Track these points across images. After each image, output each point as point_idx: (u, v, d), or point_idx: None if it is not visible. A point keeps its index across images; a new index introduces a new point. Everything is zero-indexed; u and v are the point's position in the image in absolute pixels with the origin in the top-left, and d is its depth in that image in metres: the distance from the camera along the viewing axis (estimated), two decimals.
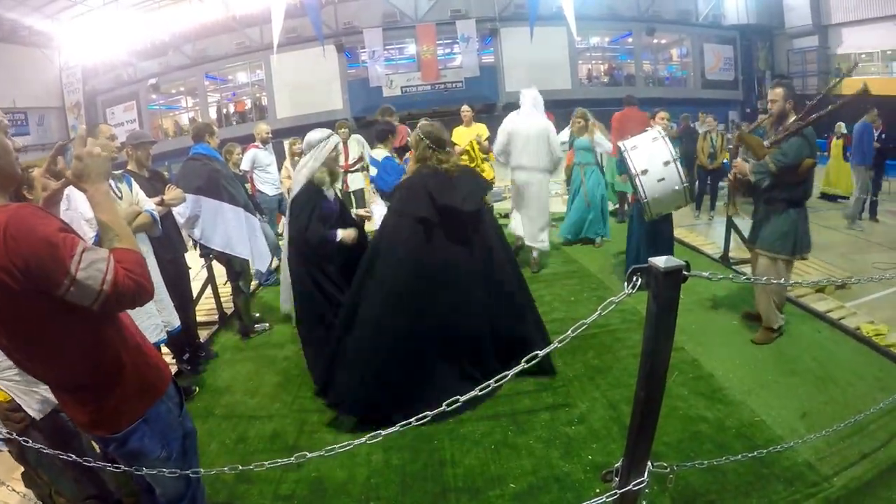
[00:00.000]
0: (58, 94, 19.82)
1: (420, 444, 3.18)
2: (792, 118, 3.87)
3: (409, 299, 3.40)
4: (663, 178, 4.61)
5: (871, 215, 8.88)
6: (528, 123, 5.80)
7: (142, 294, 1.61)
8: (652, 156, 4.66)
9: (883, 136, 8.97)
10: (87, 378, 1.69)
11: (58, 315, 1.55)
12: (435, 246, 3.46)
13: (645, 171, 4.64)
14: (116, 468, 1.94)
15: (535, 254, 6.22)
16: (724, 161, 9.17)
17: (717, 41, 21.75)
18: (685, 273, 1.71)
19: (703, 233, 7.84)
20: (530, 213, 6.01)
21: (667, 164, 4.59)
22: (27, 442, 2.13)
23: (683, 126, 10.49)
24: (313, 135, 3.82)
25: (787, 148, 3.74)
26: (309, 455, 1.89)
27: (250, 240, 4.71)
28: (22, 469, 2.57)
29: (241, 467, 2.00)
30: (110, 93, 20.73)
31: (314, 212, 3.69)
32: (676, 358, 3.90)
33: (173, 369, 4.35)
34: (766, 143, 3.91)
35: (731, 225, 5.93)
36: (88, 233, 2.82)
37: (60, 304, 1.49)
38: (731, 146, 4.44)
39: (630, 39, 21.51)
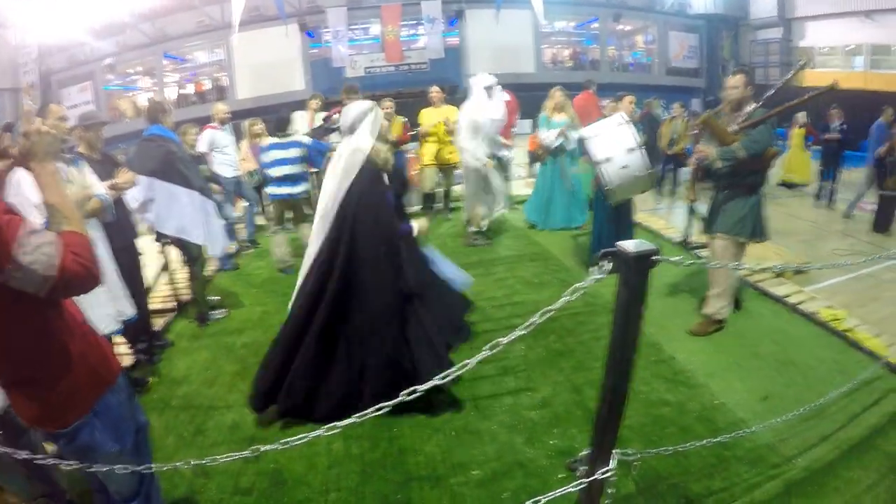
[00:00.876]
0: (12, 74, 18.90)
1: (380, 432, 3.12)
2: (751, 106, 3.90)
3: (303, 296, 3.31)
4: (627, 166, 4.60)
5: (828, 203, 9.15)
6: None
7: (90, 280, 1.53)
8: (615, 142, 4.64)
9: (844, 126, 9.20)
10: (31, 370, 1.60)
11: (4, 303, 1.45)
12: (328, 238, 3.27)
13: (608, 159, 4.62)
14: (68, 465, 1.84)
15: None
16: (687, 147, 9.34)
17: (682, 29, 22.08)
18: (654, 258, 1.67)
19: (664, 217, 7.92)
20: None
21: (631, 150, 4.58)
22: None
23: (646, 111, 10.57)
24: (354, 109, 3.31)
25: (758, 135, 3.76)
26: (263, 448, 1.81)
27: (205, 224, 4.53)
28: None
29: (192, 462, 1.90)
30: (65, 73, 19.94)
31: (387, 204, 3.29)
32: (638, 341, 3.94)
33: (128, 360, 4.22)
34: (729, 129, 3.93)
35: (691, 210, 6.02)
36: (38, 219, 2.67)
37: (4, 291, 1.40)
38: (694, 132, 4.43)
39: (596, 25, 21.67)
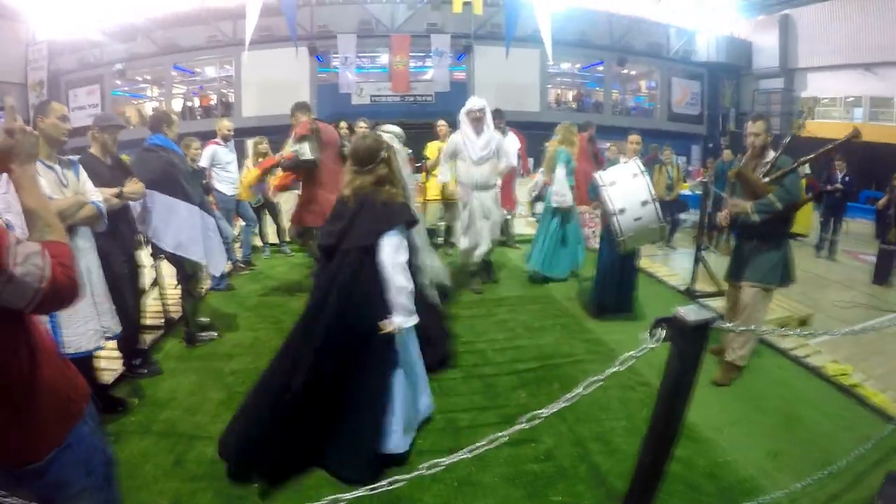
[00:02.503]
0: (21, 70, 18.88)
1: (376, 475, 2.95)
2: (770, 154, 3.91)
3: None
4: (640, 218, 4.55)
5: (829, 255, 9.09)
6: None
7: (75, 292, 1.40)
8: (630, 194, 4.58)
9: (847, 178, 9.21)
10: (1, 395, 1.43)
11: None
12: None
13: (622, 211, 4.56)
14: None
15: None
16: (681, 192, 9.33)
17: (685, 76, 22.42)
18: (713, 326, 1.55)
19: (663, 262, 7.83)
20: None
21: (645, 203, 4.53)
22: None
23: (652, 156, 10.59)
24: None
25: (790, 186, 3.76)
26: None
27: (205, 241, 4.35)
28: None
29: None
30: (74, 74, 20.02)
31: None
32: (644, 393, 3.84)
33: (113, 375, 4.04)
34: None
35: (699, 258, 5.95)
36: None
37: None
38: (711, 182, 4.37)
39: (601, 68, 21.97)
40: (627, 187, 4.61)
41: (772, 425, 3.54)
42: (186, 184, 4.31)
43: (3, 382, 1.41)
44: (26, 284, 1.26)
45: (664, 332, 1.64)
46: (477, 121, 5.50)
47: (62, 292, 1.34)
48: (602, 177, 4.81)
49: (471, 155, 5.57)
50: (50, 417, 1.51)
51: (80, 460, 1.60)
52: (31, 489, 1.56)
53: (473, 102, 5.54)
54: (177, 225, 4.22)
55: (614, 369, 1.67)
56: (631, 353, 1.69)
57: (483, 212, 5.74)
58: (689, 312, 1.57)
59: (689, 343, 1.57)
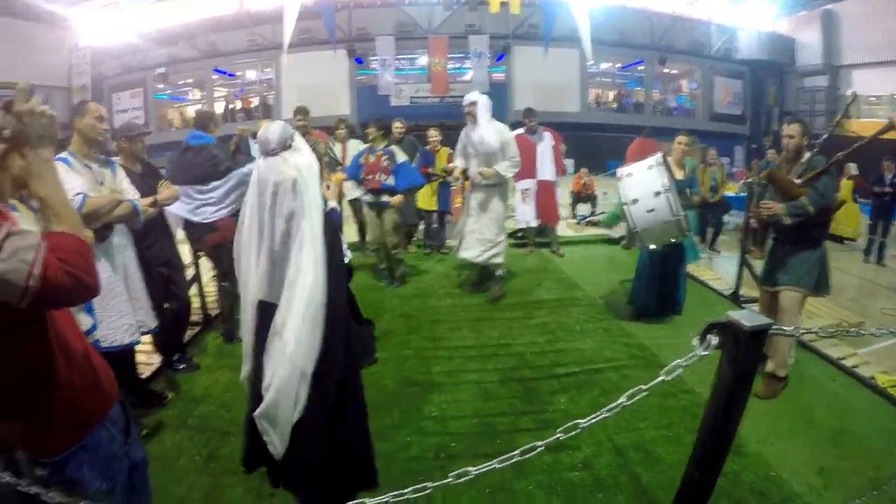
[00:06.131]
0: (65, 74, 19.45)
1: (407, 479, 2.87)
2: (806, 155, 3.77)
3: None
4: (653, 209, 4.43)
5: (878, 259, 8.72)
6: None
7: (80, 290, 1.31)
8: (644, 185, 4.49)
9: (895, 180, 8.81)
10: (16, 392, 1.41)
11: None
12: None
13: (635, 201, 4.47)
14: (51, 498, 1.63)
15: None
16: (725, 194, 9.05)
17: (727, 75, 21.82)
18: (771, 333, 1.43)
19: (707, 267, 7.59)
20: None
21: (657, 194, 4.40)
22: None
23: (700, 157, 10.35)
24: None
25: (824, 188, 3.60)
26: None
27: None
28: None
29: None
30: (118, 78, 20.52)
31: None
32: (687, 400, 3.69)
33: (151, 369, 4.10)
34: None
35: (744, 262, 5.73)
36: None
37: None
38: (758, 184, 4.17)
39: (641, 67, 21.58)
40: (642, 178, 4.53)
41: (820, 439, 3.36)
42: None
43: (16, 376, 1.39)
44: (10, 282, 1.19)
45: (716, 338, 1.52)
46: (469, 115, 5.43)
47: (59, 288, 1.26)
48: (621, 170, 4.75)
49: (469, 149, 5.53)
50: (62, 418, 1.49)
51: (97, 464, 1.57)
52: (48, 483, 1.55)
53: (467, 97, 5.53)
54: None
55: (661, 379, 1.56)
56: (678, 361, 1.58)
57: (479, 208, 5.60)
58: (745, 317, 1.45)
59: (744, 351, 1.45)
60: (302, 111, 6.13)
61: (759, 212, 3.87)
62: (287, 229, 2.28)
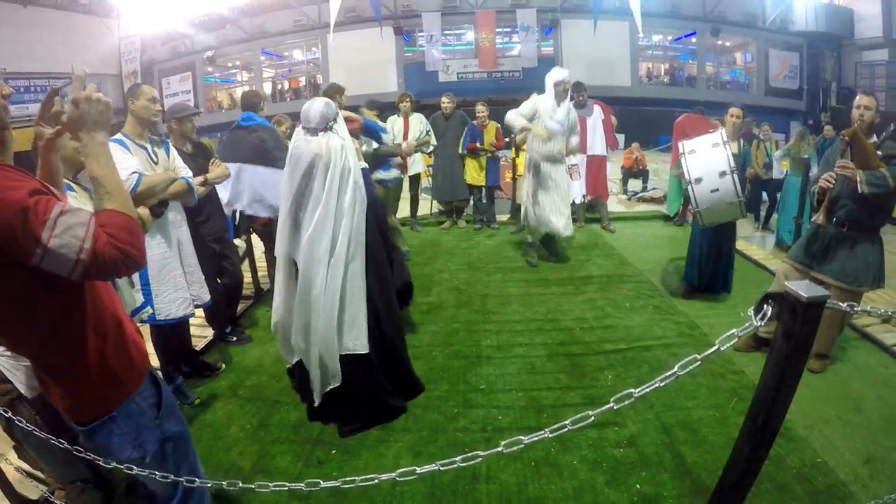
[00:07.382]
0: (115, 62, 20.11)
1: (453, 452, 2.88)
2: (874, 138, 3.41)
3: None
4: (717, 189, 4.29)
5: None
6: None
7: (127, 263, 1.40)
8: (709, 163, 4.34)
9: None
10: (51, 358, 1.52)
11: (31, 286, 1.37)
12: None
13: (699, 180, 4.33)
14: (88, 456, 1.74)
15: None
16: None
17: (783, 47, 20.62)
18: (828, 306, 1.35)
19: (760, 246, 7.32)
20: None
21: (723, 174, 4.25)
22: (5, 412, 1.99)
23: (746, 131, 9.89)
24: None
25: None
26: (323, 484, 1.77)
27: None
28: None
29: (241, 484, 1.80)
30: (167, 63, 21.09)
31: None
32: (736, 382, 3.59)
33: (204, 341, 4.24)
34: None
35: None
36: None
37: (33, 274, 1.31)
38: (842, 141, 3.67)
39: (693, 39, 20.73)
40: (707, 157, 4.37)
41: (869, 427, 3.18)
42: (280, 154, 4.44)
43: (59, 344, 1.49)
44: (63, 256, 1.28)
45: (772, 309, 1.45)
46: (565, 92, 5.42)
47: (109, 262, 1.35)
48: (684, 144, 4.58)
49: (547, 125, 5.39)
50: (92, 387, 1.57)
51: (127, 435, 1.65)
52: (84, 444, 1.70)
53: (563, 74, 5.44)
54: (271, 193, 4.34)
55: (716, 348, 1.50)
56: (734, 330, 1.51)
57: (551, 183, 5.62)
58: (803, 288, 1.38)
59: (801, 323, 1.37)
60: (335, 89, 5.43)
61: (830, 176, 3.45)
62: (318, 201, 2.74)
